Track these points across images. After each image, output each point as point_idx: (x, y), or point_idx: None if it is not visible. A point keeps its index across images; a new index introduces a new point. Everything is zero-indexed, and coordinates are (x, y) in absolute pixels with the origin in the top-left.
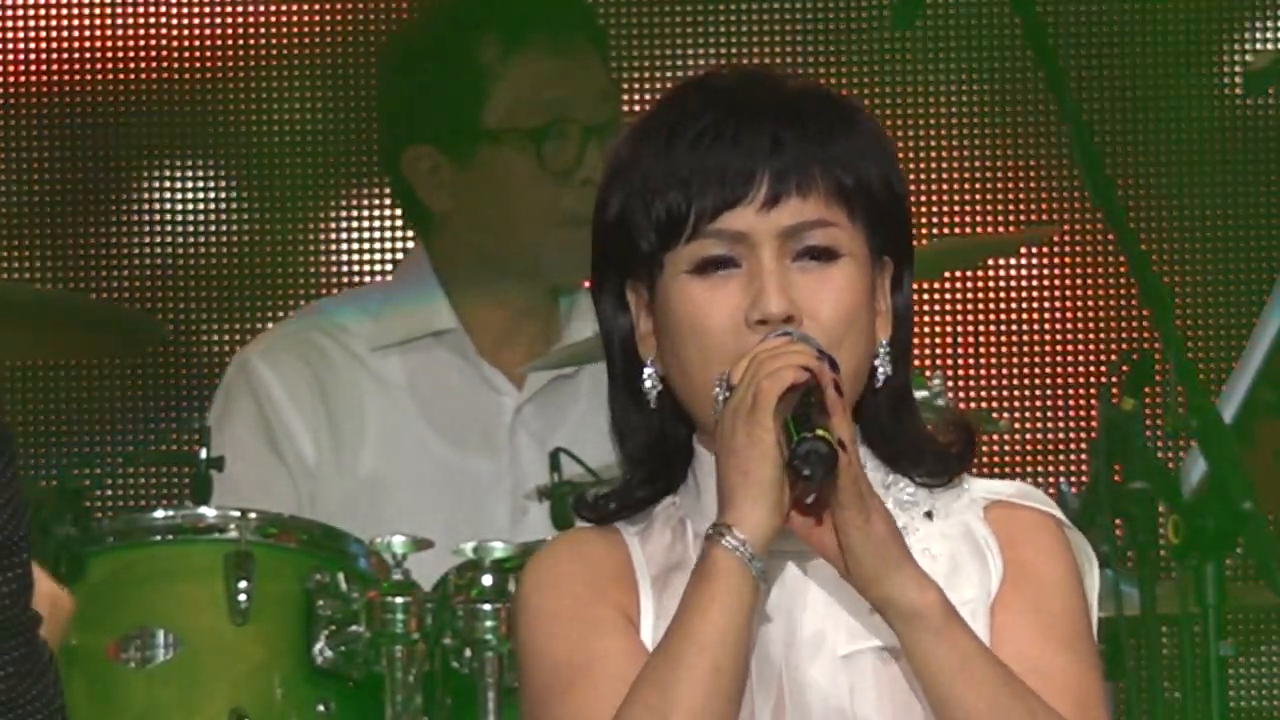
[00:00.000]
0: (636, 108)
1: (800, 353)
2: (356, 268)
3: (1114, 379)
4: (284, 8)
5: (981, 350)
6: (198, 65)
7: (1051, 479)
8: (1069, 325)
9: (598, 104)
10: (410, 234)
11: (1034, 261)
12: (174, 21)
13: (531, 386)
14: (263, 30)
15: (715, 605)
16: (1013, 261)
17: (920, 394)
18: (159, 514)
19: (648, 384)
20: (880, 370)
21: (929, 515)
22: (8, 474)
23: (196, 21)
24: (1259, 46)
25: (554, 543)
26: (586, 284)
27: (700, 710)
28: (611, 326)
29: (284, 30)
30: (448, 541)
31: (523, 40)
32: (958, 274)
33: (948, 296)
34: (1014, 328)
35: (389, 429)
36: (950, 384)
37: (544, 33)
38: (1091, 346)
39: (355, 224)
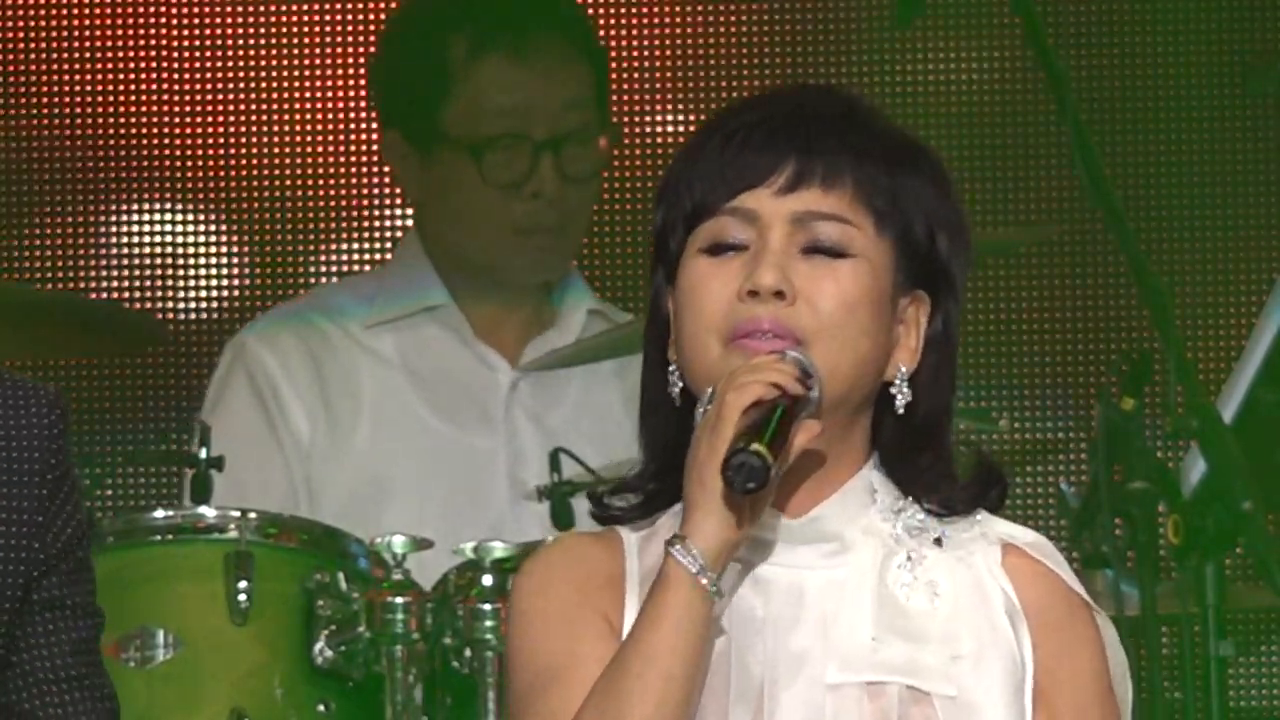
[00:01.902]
0: (637, 109)
1: (778, 370)
2: (357, 267)
3: (1114, 379)
4: (284, 7)
5: (981, 350)
6: (199, 64)
7: (1051, 479)
8: (1069, 325)
9: (561, 114)
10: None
11: (1034, 261)
12: (175, 20)
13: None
14: (264, 29)
15: (666, 617)
16: (1013, 261)
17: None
18: (159, 514)
19: (670, 380)
20: (899, 398)
21: (938, 542)
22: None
23: (198, 20)
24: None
25: (548, 546)
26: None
27: (651, 718)
28: (651, 330)
29: (286, 29)
30: (448, 519)
31: (490, 42)
32: None
33: None
34: (1014, 327)
35: (385, 406)
36: None
37: (513, 36)
38: (1091, 346)
39: (356, 223)
